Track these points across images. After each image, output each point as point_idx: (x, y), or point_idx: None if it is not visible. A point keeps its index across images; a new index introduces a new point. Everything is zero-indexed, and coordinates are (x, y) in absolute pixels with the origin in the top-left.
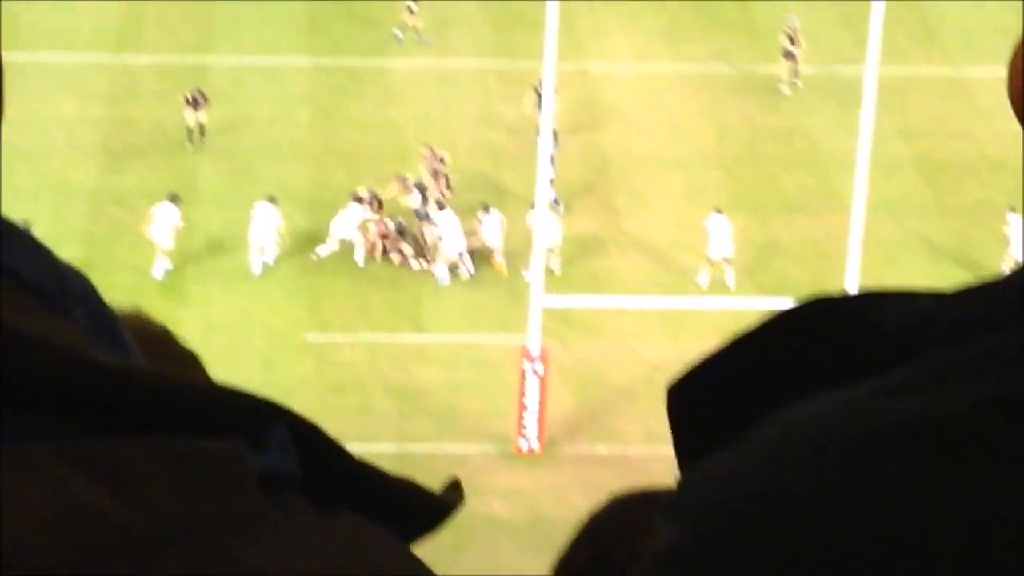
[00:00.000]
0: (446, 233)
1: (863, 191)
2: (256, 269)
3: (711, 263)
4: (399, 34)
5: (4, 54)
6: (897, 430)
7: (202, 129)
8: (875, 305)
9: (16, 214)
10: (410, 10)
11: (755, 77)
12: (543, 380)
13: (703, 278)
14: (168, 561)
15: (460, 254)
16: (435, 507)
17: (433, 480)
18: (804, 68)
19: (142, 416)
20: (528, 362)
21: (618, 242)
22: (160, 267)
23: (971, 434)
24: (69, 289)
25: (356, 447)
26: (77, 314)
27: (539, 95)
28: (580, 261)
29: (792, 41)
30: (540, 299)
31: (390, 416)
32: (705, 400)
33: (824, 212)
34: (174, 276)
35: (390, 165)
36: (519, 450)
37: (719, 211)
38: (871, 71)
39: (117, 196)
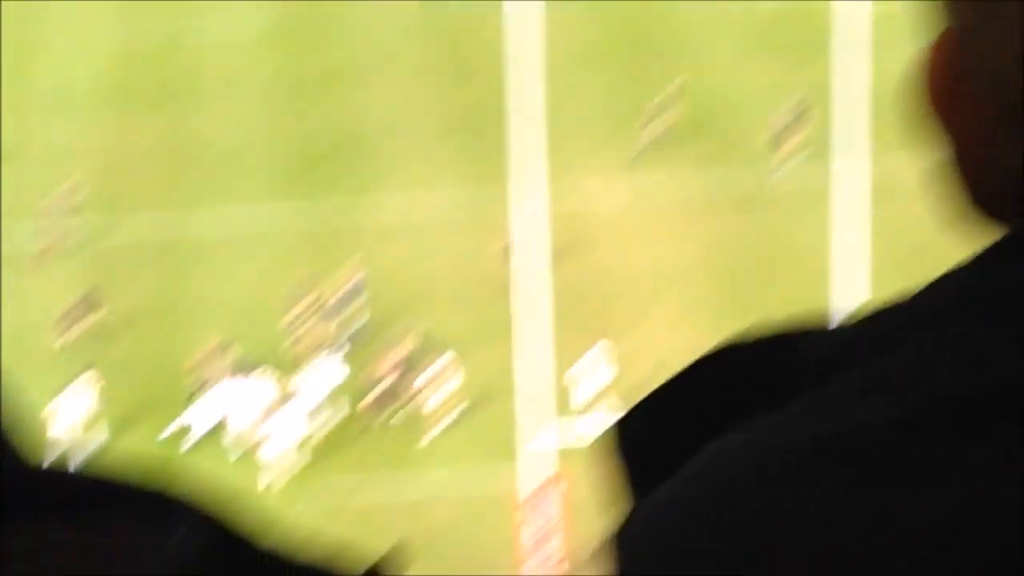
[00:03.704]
0: None
1: None
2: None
3: None
4: None
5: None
6: (797, 454)
7: None
8: (804, 338)
9: None
10: None
11: None
12: None
13: None
14: None
15: None
16: None
17: None
18: None
19: (58, 507)
20: None
21: None
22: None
23: (857, 454)
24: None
25: None
26: None
27: None
28: None
29: None
30: None
31: None
32: (651, 433)
33: None
34: None
35: None
36: None
37: None
38: None
39: None
